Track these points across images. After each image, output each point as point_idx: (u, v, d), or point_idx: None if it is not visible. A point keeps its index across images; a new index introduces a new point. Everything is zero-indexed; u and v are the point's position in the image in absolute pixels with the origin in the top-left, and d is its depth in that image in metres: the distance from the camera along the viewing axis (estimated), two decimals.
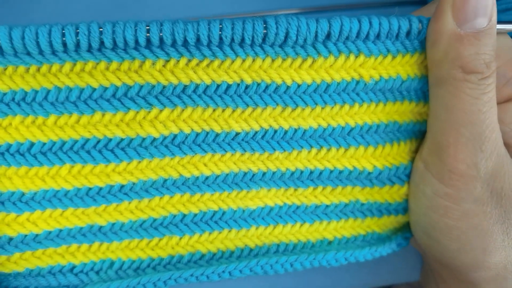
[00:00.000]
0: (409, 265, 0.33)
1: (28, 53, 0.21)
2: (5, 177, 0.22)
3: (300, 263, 0.26)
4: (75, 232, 0.24)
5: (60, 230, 0.24)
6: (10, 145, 0.22)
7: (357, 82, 0.24)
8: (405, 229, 0.28)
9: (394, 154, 0.26)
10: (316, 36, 0.22)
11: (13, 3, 0.31)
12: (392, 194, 0.27)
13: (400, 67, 0.24)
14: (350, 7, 0.33)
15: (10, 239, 0.23)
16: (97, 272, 0.25)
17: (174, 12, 0.33)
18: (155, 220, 0.25)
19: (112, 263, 0.25)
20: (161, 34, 0.21)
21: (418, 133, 0.26)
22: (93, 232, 0.24)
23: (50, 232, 0.24)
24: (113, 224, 0.24)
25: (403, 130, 0.26)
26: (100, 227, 0.24)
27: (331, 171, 0.25)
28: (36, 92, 0.21)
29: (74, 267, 0.25)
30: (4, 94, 0.21)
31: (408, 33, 0.23)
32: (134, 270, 0.25)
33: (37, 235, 0.24)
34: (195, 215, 0.25)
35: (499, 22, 0.23)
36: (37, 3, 0.31)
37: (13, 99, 0.21)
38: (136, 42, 0.21)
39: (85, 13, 0.32)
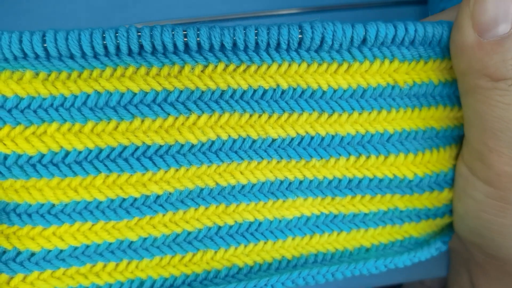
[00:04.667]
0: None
1: (72, 57, 0.21)
2: (35, 189, 0.21)
3: (341, 273, 0.25)
4: (103, 248, 0.23)
5: (87, 246, 0.23)
6: (43, 155, 0.21)
7: (392, 87, 0.24)
8: (443, 233, 0.28)
9: (434, 161, 0.25)
10: (351, 41, 0.22)
11: (13, 3, 0.30)
12: (432, 200, 0.26)
13: (431, 72, 0.24)
14: (350, 7, 0.34)
15: (32, 254, 0.22)
16: None
17: (174, 12, 0.32)
18: (189, 233, 0.24)
19: (142, 283, 0.23)
20: (198, 39, 0.21)
21: (457, 138, 0.26)
22: (122, 249, 0.23)
23: (76, 248, 0.22)
24: (145, 239, 0.23)
25: (441, 136, 0.26)
26: (131, 243, 0.23)
27: (371, 180, 0.25)
28: (76, 97, 0.21)
29: None
30: (44, 99, 0.21)
31: (440, 40, 0.23)
32: None
33: (61, 251, 0.22)
34: (231, 227, 0.24)
35: None
36: (37, 2, 0.30)
37: (51, 105, 0.21)
38: (175, 46, 0.21)
39: (85, 13, 0.31)
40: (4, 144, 0.21)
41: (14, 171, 0.21)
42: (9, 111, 0.21)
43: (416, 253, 0.26)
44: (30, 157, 0.21)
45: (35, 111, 0.21)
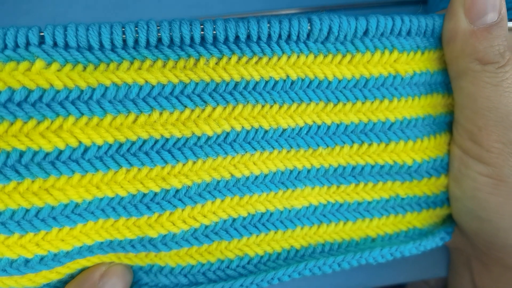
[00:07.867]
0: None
1: (90, 48, 0.20)
2: (55, 189, 0.21)
3: (347, 262, 0.26)
4: (125, 243, 0.23)
5: (111, 241, 0.23)
6: (61, 152, 0.20)
7: (394, 77, 0.25)
8: (445, 224, 0.29)
9: (431, 147, 0.27)
10: (355, 32, 0.24)
11: (13, 3, 0.30)
12: (430, 186, 0.28)
13: (427, 62, 0.26)
14: (350, 7, 0.34)
15: (67, 253, 0.22)
16: (147, 273, 0.24)
17: (174, 12, 0.33)
18: (206, 227, 0.24)
19: (161, 268, 0.24)
20: (214, 31, 0.22)
21: (450, 125, 0.28)
22: (143, 244, 0.23)
23: (101, 243, 0.23)
24: (164, 236, 0.23)
25: (438, 123, 0.27)
26: (151, 239, 0.23)
27: (373, 167, 0.26)
28: (93, 89, 0.21)
29: None
30: (58, 92, 0.20)
31: (433, 30, 0.25)
32: (185, 275, 0.24)
33: (89, 246, 0.22)
34: (244, 218, 0.24)
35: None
36: (37, 3, 0.31)
37: (67, 98, 0.20)
38: (191, 39, 0.22)
39: (85, 13, 0.31)
40: (19, 140, 0.20)
41: (32, 169, 0.20)
42: (18, 104, 0.19)
43: (421, 242, 0.27)
44: (47, 154, 0.20)
45: (48, 105, 0.20)
